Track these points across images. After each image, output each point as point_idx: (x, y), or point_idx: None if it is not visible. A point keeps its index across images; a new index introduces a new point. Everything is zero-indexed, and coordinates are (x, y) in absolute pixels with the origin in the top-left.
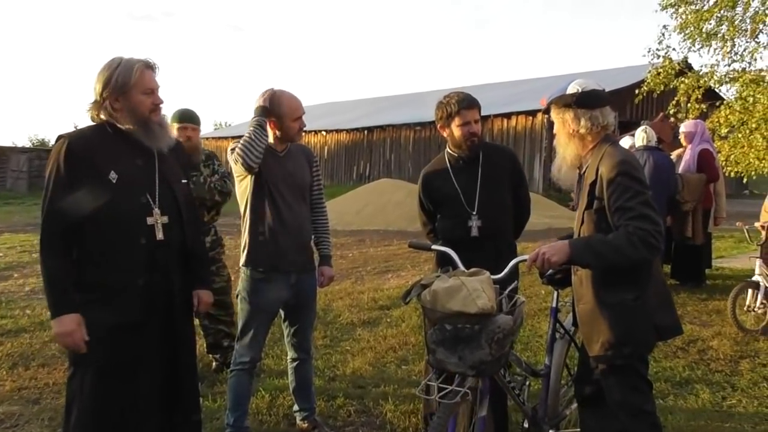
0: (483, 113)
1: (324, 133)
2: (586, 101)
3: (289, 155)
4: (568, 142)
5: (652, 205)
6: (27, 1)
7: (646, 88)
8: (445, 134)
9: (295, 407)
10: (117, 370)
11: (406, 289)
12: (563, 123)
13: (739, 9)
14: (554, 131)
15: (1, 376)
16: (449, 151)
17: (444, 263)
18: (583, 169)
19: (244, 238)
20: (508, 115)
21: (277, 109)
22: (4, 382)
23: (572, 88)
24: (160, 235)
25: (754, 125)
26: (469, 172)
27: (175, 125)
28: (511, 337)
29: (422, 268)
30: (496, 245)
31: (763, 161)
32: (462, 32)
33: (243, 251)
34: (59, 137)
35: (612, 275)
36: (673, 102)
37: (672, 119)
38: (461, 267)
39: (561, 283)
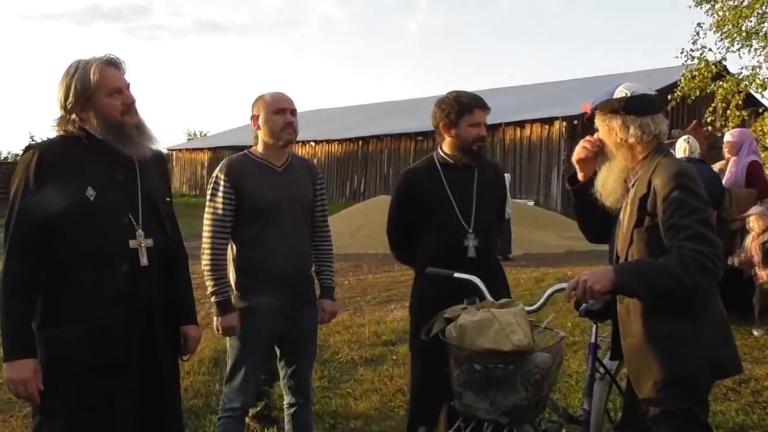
0: (493, 121)
1: (313, 143)
2: (635, 107)
3: (289, 170)
4: (615, 153)
5: (711, 225)
6: None
7: (679, 93)
8: (447, 135)
9: None
10: (91, 418)
11: (428, 324)
12: (609, 131)
13: None
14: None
15: None
16: (443, 155)
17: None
18: (632, 183)
19: (232, 266)
20: (521, 123)
21: (258, 104)
22: None
23: (620, 92)
24: (144, 261)
25: None
26: (464, 183)
27: None
28: (549, 378)
29: None
30: (491, 268)
31: None
32: (467, 31)
33: (231, 281)
34: (28, 148)
35: (665, 304)
36: (710, 109)
37: (708, 128)
38: (489, 297)
39: (600, 316)
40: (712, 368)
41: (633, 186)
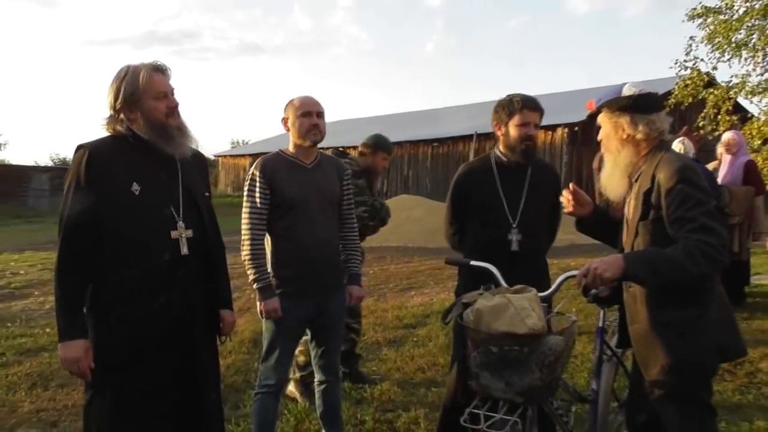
0: None
1: (341, 149)
2: (643, 105)
3: (318, 167)
4: (620, 149)
5: (715, 216)
6: (41, 19)
7: (673, 100)
8: (499, 133)
9: None
10: (136, 395)
11: (446, 308)
12: (616, 128)
13: None
14: (600, 137)
15: (20, 396)
16: (498, 153)
17: (477, 281)
18: (635, 177)
19: (269, 255)
20: None
21: (288, 108)
22: (23, 404)
23: (628, 91)
24: (184, 250)
25: None
26: (516, 181)
27: (383, 155)
28: (562, 360)
29: (446, 285)
30: (536, 263)
31: None
32: (477, 49)
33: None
34: (79, 147)
35: (671, 291)
36: (702, 114)
37: (699, 132)
38: (503, 284)
39: (607, 301)
40: (717, 353)
41: (637, 181)
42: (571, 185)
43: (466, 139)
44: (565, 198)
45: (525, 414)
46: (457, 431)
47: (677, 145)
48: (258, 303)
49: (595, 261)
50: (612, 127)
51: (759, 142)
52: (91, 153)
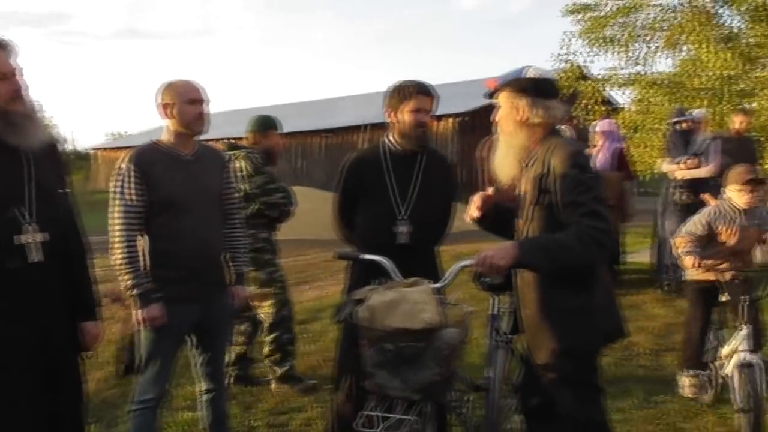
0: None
1: (233, 141)
2: (543, 89)
3: (198, 159)
4: (515, 131)
5: (603, 202)
6: None
7: None
8: (392, 120)
9: None
10: None
11: (337, 306)
12: (514, 109)
13: (635, 16)
14: (497, 118)
15: None
16: (389, 141)
17: (370, 275)
18: (529, 162)
19: (145, 256)
20: None
21: (169, 93)
22: None
23: (531, 73)
24: (36, 257)
25: (655, 125)
26: (406, 170)
27: (275, 133)
28: (458, 352)
29: (338, 278)
30: (426, 255)
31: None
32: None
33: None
34: None
35: (560, 278)
36: (577, 105)
37: (575, 121)
38: (397, 277)
39: (500, 289)
40: (603, 336)
41: (531, 165)
42: (490, 190)
43: (359, 129)
44: (475, 204)
45: (423, 411)
46: None
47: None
48: (137, 312)
49: (489, 249)
50: (510, 108)
51: (626, 131)
52: None
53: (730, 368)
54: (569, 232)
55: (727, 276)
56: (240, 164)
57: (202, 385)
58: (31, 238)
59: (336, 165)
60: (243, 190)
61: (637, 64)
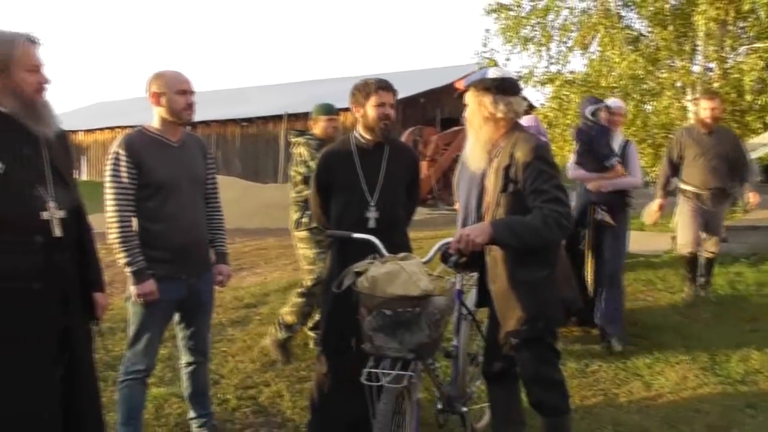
0: (311, 109)
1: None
2: (505, 87)
3: (184, 146)
4: (482, 126)
5: (564, 189)
6: None
7: None
8: (358, 115)
9: (191, 414)
10: (8, 388)
11: (338, 278)
12: (480, 106)
13: (550, 17)
14: (465, 114)
15: None
16: (357, 135)
17: (346, 254)
18: (495, 154)
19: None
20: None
21: (159, 82)
22: None
23: (493, 74)
24: (57, 232)
25: (568, 121)
26: (373, 161)
27: (323, 117)
28: (445, 318)
29: (276, 264)
30: (393, 238)
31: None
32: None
33: None
34: None
35: (526, 255)
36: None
37: None
38: (386, 254)
39: (466, 267)
40: (562, 304)
41: (497, 157)
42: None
43: (276, 119)
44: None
45: (415, 369)
46: (331, 406)
47: None
48: (132, 287)
49: (466, 229)
50: (476, 105)
51: (544, 126)
52: None
53: None
54: (535, 215)
55: None
56: (299, 150)
57: (185, 358)
58: (54, 214)
59: (253, 154)
60: (301, 173)
61: (552, 63)
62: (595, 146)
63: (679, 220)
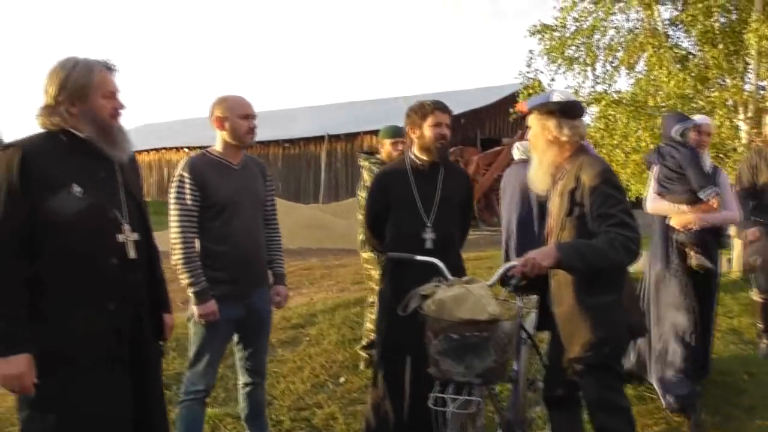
0: (353, 130)
1: (187, 149)
2: (569, 111)
3: (245, 168)
4: (546, 149)
5: (632, 214)
6: None
7: (518, 109)
8: (414, 136)
9: None
10: (83, 408)
11: (404, 301)
12: (543, 129)
13: (596, 37)
14: (528, 137)
15: None
16: (412, 156)
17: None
18: (559, 176)
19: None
20: (377, 132)
21: (223, 107)
22: None
23: (557, 97)
24: (132, 254)
25: (615, 142)
26: (430, 182)
27: (388, 141)
28: (512, 342)
29: (321, 285)
30: (448, 258)
31: (622, 174)
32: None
33: None
34: (6, 146)
35: (592, 279)
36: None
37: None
38: (449, 276)
39: (526, 290)
40: (628, 331)
41: (561, 179)
42: None
43: (317, 140)
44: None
45: (482, 394)
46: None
47: (517, 148)
48: (194, 308)
49: (533, 252)
50: (540, 128)
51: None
52: (25, 152)
53: None
54: (601, 239)
55: None
56: (363, 174)
57: (243, 379)
58: (129, 236)
59: (295, 175)
60: (364, 198)
61: (598, 83)
62: (687, 173)
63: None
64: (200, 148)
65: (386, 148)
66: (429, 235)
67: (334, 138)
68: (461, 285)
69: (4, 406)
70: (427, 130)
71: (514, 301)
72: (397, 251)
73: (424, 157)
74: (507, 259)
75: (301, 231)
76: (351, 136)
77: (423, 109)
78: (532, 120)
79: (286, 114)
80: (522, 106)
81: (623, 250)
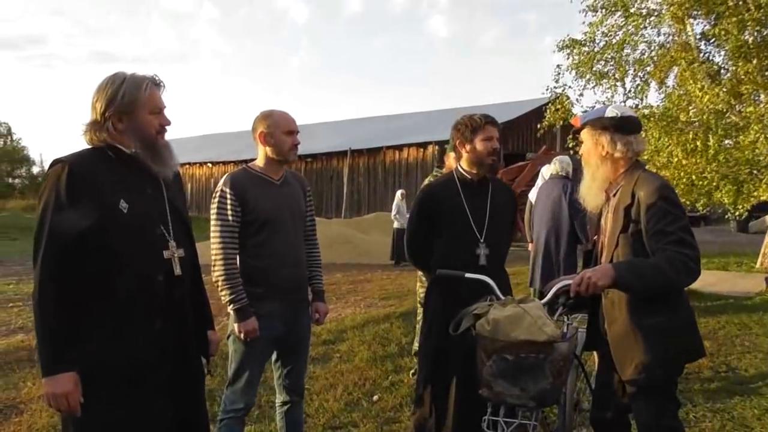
0: (375, 144)
1: (210, 164)
2: (623, 126)
3: (286, 183)
4: (599, 165)
5: (691, 231)
6: None
7: (546, 123)
8: (464, 151)
9: None
10: (128, 428)
11: (455, 320)
12: (597, 145)
13: (626, 51)
14: (581, 152)
15: None
16: (461, 170)
17: (442, 294)
18: (613, 192)
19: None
20: (399, 147)
21: (268, 122)
22: None
23: (611, 112)
24: (178, 270)
25: (646, 157)
26: (480, 197)
27: (452, 155)
28: (569, 365)
29: (348, 300)
30: (501, 274)
31: None
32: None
33: None
34: (55, 162)
35: (648, 298)
36: (570, 136)
37: (570, 152)
38: (501, 295)
39: (575, 310)
40: (684, 353)
41: (615, 195)
42: None
43: (340, 155)
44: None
45: (537, 417)
46: None
47: (554, 163)
48: (235, 325)
49: (588, 271)
50: (593, 144)
51: None
52: (72, 168)
53: None
54: (660, 257)
55: None
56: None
57: (281, 398)
58: (175, 253)
59: (317, 190)
60: None
61: (629, 97)
62: None
63: None
64: (223, 163)
65: (449, 162)
66: (483, 251)
67: (357, 153)
68: (515, 304)
69: (40, 423)
70: (479, 145)
71: (564, 320)
72: (449, 268)
73: (474, 172)
74: (533, 276)
75: (324, 246)
76: (373, 151)
77: (474, 123)
78: (585, 135)
79: (308, 129)
80: (576, 120)
81: (683, 269)
